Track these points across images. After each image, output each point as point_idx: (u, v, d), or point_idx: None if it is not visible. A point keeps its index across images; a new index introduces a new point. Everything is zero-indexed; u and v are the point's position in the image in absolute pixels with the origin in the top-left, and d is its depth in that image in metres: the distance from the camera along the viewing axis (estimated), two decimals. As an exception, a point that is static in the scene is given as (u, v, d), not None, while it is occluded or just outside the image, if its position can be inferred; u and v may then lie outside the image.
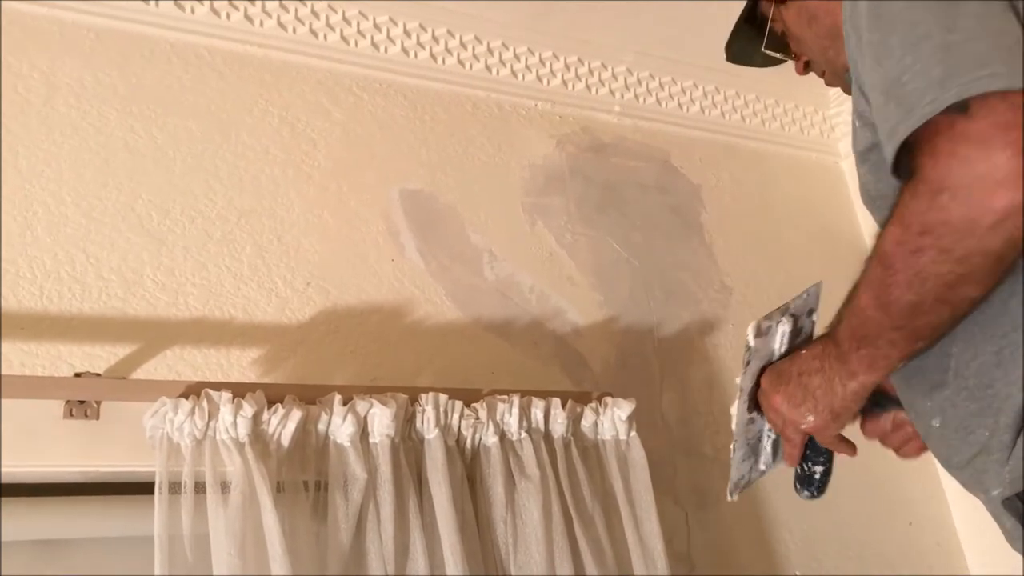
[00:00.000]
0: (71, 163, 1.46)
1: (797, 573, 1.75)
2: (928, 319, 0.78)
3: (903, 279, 0.76)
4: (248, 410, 1.18)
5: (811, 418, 0.93)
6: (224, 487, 1.14)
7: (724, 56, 1.37)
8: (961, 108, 0.69)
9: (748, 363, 0.99)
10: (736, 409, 1.02)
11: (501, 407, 1.39)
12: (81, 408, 1.17)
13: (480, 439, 1.37)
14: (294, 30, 1.76)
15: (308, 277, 1.55)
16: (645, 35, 2.08)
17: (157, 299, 1.42)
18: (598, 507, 1.39)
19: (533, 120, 1.99)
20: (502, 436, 1.38)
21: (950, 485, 2.04)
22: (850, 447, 0.99)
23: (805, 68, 1.22)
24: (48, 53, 1.53)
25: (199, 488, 1.13)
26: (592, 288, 1.84)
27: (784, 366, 0.97)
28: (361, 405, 1.27)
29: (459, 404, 1.35)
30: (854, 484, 1.86)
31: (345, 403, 1.27)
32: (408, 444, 1.31)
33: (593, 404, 1.49)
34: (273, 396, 1.24)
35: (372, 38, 1.85)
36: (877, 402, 0.97)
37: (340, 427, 1.25)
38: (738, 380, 1.00)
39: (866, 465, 1.93)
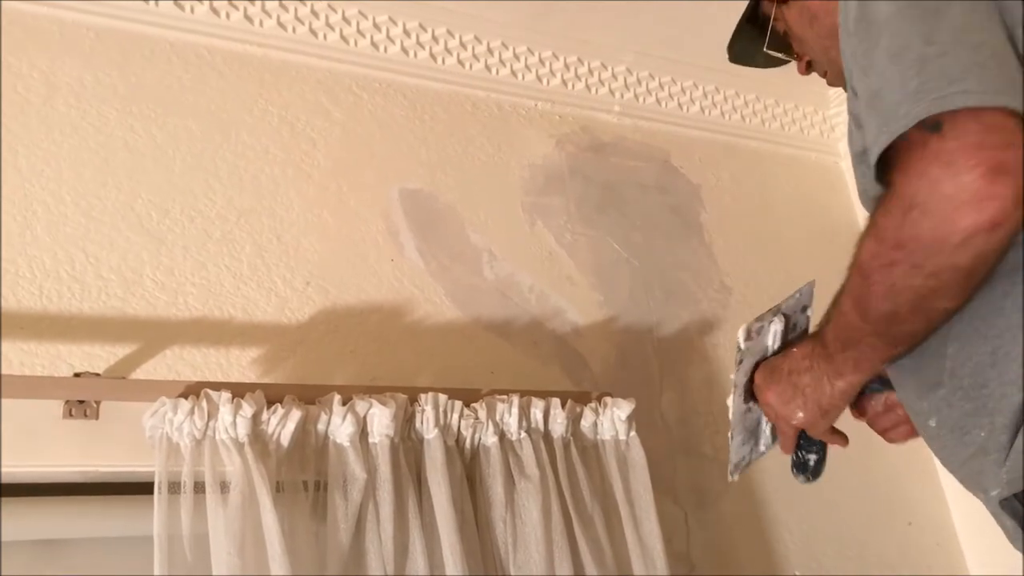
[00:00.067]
0: (71, 162, 1.46)
1: (797, 573, 1.74)
2: (904, 327, 0.81)
3: (879, 290, 0.78)
4: (247, 410, 1.18)
5: (801, 414, 0.98)
6: (223, 487, 1.14)
7: (724, 56, 1.37)
8: (935, 124, 0.71)
9: (741, 361, 1.03)
10: (732, 401, 1.06)
11: (501, 407, 1.39)
12: (81, 408, 1.18)
13: (480, 439, 1.37)
14: (294, 30, 1.76)
15: (308, 277, 1.55)
16: (645, 35, 2.08)
17: (156, 299, 1.42)
18: (597, 507, 1.39)
19: (533, 120, 1.99)
20: (502, 436, 1.38)
21: (950, 485, 2.04)
22: (841, 438, 1.03)
23: (807, 68, 1.22)
24: (48, 53, 1.53)
25: (199, 488, 1.13)
26: (592, 288, 1.84)
27: (776, 363, 1.02)
28: (360, 405, 1.27)
29: (459, 404, 1.36)
30: (854, 484, 1.87)
31: (344, 403, 1.27)
32: (407, 444, 1.31)
33: (593, 404, 1.49)
34: (272, 396, 1.24)
35: (372, 38, 1.84)
36: (871, 383, 1.00)
37: (339, 427, 1.25)
38: (732, 376, 1.04)
39: (866, 465, 1.95)
